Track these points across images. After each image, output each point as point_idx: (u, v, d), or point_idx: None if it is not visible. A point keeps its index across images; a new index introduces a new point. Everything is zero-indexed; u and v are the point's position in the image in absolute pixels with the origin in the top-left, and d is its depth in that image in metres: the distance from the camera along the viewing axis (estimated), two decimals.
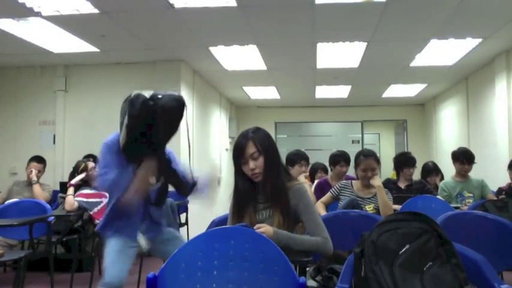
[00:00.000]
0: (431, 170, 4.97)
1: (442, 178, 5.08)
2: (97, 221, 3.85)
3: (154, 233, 2.47)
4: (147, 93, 2.17)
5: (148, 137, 2.21)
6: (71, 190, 4.09)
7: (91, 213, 3.97)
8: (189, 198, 2.58)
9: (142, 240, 2.39)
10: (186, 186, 2.43)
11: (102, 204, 3.89)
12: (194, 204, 2.70)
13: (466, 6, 3.88)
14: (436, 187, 4.54)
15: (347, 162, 4.08)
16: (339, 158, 4.07)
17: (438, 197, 3.87)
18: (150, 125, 2.17)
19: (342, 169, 4.06)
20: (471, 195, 4.08)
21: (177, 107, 2.19)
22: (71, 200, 4.00)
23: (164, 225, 2.56)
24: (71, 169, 4.50)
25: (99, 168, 2.28)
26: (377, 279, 1.43)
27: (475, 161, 4.18)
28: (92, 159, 4.55)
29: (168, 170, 2.38)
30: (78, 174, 4.24)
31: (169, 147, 2.43)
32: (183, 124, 2.29)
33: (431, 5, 3.92)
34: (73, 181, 4.16)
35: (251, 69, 6.19)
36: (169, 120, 2.20)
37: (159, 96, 2.16)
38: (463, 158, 4.12)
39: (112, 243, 2.33)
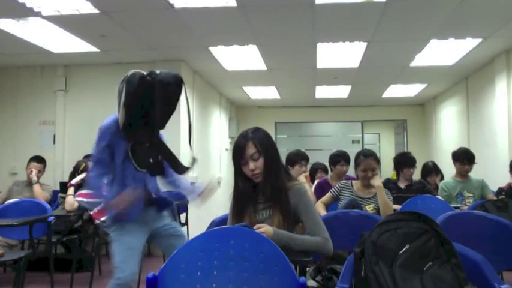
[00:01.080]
0: (431, 169, 4.97)
1: (442, 178, 5.08)
2: (97, 221, 3.85)
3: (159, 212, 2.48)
4: (144, 72, 2.19)
5: (147, 116, 2.21)
6: (71, 190, 4.08)
7: (91, 213, 3.96)
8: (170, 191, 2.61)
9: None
10: (180, 164, 2.44)
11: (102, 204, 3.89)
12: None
13: (466, 6, 3.88)
14: (437, 187, 4.53)
15: (347, 161, 4.08)
16: (339, 158, 4.07)
17: (438, 197, 3.87)
18: (148, 102, 2.17)
19: (342, 168, 4.06)
20: (471, 195, 4.08)
21: (174, 83, 2.20)
22: (71, 200, 4.00)
23: (169, 212, 2.57)
24: (71, 169, 4.50)
25: (93, 155, 2.32)
26: (377, 279, 1.43)
27: (475, 161, 4.18)
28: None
29: (164, 150, 2.40)
30: (79, 174, 4.24)
31: (170, 130, 2.45)
32: (182, 108, 2.31)
33: (431, 5, 3.92)
34: (73, 181, 4.16)
35: (251, 69, 6.19)
36: (168, 97, 2.21)
37: (157, 72, 2.17)
38: (464, 158, 4.12)
39: (122, 239, 2.31)
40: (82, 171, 4.24)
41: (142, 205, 2.39)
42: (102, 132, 2.31)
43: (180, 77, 2.25)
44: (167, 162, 2.47)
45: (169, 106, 2.27)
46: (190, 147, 2.50)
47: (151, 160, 2.37)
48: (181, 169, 2.47)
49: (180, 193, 5.24)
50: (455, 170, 4.22)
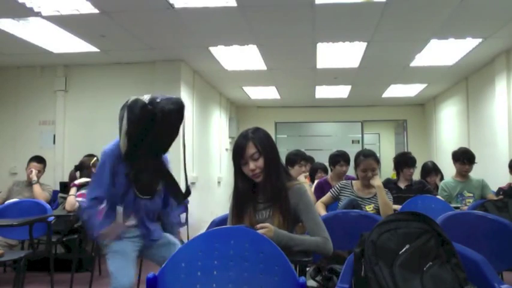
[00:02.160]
0: (431, 170, 4.97)
1: (441, 178, 5.08)
2: None
3: (155, 233, 2.44)
4: (145, 98, 2.17)
5: (149, 143, 2.20)
6: (73, 190, 4.07)
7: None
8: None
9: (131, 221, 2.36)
10: (180, 193, 2.42)
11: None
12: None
13: (466, 6, 3.88)
14: (436, 187, 4.53)
15: (347, 162, 4.08)
16: (339, 158, 4.07)
17: (438, 197, 3.87)
18: (151, 130, 2.16)
19: (341, 169, 4.06)
20: (471, 195, 4.08)
21: (176, 110, 2.20)
22: (73, 201, 3.99)
23: (159, 234, 2.50)
24: (72, 168, 4.49)
25: (92, 179, 2.29)
26: (377, 279, 1.43)
27: (475, 161, 4.18)
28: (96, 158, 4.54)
29: (167, 176, 2.38)
30: (87, 170, 4.21)
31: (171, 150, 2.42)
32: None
33: (431, 5, 3.92)
34: (77, 181, 4.12)
35: (251, 69, 6.19)
36: (170, 124, 2.20)
37: (158, 100, 2.17)
38: (464, 158, 4.12)
39: (116, 247, 2.29)
40: (93, 166, 4.19)
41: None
42: (107, 155, 2.28)
43: (181, 102, 2.24)
44: (168, 190, 2.43)
45: (172, 132, 2.26)
46: (186, 176, 2.41)
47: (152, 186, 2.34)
48: (180, 198, 2.44)
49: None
50: (455, 170, 4.22)
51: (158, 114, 2.14)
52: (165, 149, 2.33)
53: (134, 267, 2.30)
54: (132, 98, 2.19)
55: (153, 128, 2.15)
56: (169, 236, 2.55)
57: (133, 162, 2.24)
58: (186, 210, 5.19)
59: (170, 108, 2.17)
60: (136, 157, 2.22)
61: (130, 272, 2.24)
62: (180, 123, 2.26)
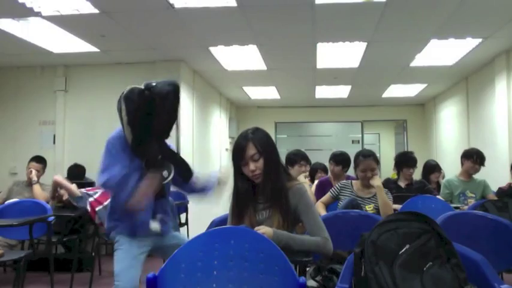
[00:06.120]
0: (434, 167, 4.95)
1: (443, 176, 5.08)
2: (97, 220, 3.84)
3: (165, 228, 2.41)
4: (141, 85, 2.18)
5: (151, 128, 2.19)
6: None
7: (88, 208, 3.88)
8: (193, 196, 2.53)
9: (155, 225, 2.29)
10: (191, 171, 2.40)
11: (96, 195, 3.84)
12: (197, 202, 2.70)
13: (466, 6, 3.88)
14: (439, 185, 4.53)
15: (336, 162, 4.02)
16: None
17: (438, 196, 3.87)
18: (151, 116, 2.16)
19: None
20: (473, 195, 4.09)
21: (172, 91, 2.19)
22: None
23: (171, 225, 2.49)
24: (72, 164, 4.48)
25: (102, 164, 2.19)
26: (377, 280, 1.43)
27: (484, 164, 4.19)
28: None
29: (173, 157, 2.36)
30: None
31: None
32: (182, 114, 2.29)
33: (431, 5, 3.93)
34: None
35: (251, 69, 6.19)
36: (169, 105, 2.19)
37: (154, 84, 2.17)
38: (477, 157, 4.13)
39: (125, 247, 2.26)
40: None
41: (149, 218, 2.31)
42: (114, 140, 2.23)
43: (176, 83, 2.23)
44: (179, 170, 2.40)
45: (172, 114, 2.26)
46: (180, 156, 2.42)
47: (167, 173, 2.30)
48: (190, 175, 2.42)
49: (180, 193, 5.21)
50: (462, 169, 4.21)
51: (156, 98, 2.13)
52: (167, 132, 2.32)
53: (139, 270, 2.26)
54: (128, 87, 2.19)
55: (153, 112, 2.15)
56: (180, 236, 2.55)
57: (141, 151, 2.22)
58: (186, 210, 5.20)
59: (167, 89, 2.17)
60: (143, 145, 2.20)
61: (135, 275, 2.22)
62: (178, 104, 2.25)
